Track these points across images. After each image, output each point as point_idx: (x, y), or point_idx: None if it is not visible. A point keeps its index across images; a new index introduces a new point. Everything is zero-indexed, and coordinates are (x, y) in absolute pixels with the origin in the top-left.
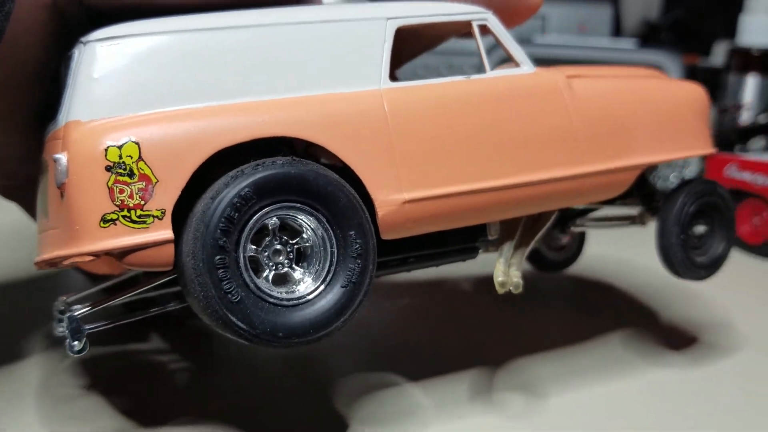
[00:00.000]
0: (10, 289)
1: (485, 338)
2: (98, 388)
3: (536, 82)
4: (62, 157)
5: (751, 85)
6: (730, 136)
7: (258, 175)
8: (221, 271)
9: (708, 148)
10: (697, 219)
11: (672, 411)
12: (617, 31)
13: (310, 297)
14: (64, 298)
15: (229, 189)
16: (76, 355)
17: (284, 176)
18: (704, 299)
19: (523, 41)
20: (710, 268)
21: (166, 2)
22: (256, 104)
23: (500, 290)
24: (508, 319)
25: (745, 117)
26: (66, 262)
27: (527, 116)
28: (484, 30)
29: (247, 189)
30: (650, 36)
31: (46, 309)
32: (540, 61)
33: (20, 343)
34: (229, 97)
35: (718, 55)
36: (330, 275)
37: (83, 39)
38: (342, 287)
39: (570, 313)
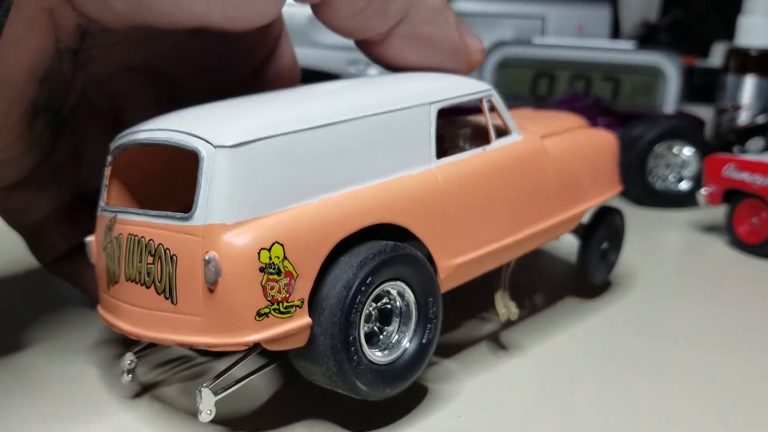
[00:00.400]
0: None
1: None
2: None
3: (527, 148)
4: (215, 258)
5: (749, 85)
6: (728, 137)
7: (378, 263)
8: (353, 347)
9: (619, 187)
10: (606, 239)
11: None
12: (616, 32)
13: (401, 355)
14: (132, 353)
15: (358, 277)
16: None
17: (396, 261)
18: (701, 297)
19: (523, 43)
20: (608, 271)
21: (157, 20)
22: (361, 193)
23: (503, 319)
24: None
25: (744, 118)
26: (215, 349)
27: (524, 179)
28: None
29: (371, 277)
30: (649, 37)
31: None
32: (539, 63)
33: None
34: (340, 188)
35: (717, 56)
36: (413, 335)
37: (212, 141)
38: (421, 344)
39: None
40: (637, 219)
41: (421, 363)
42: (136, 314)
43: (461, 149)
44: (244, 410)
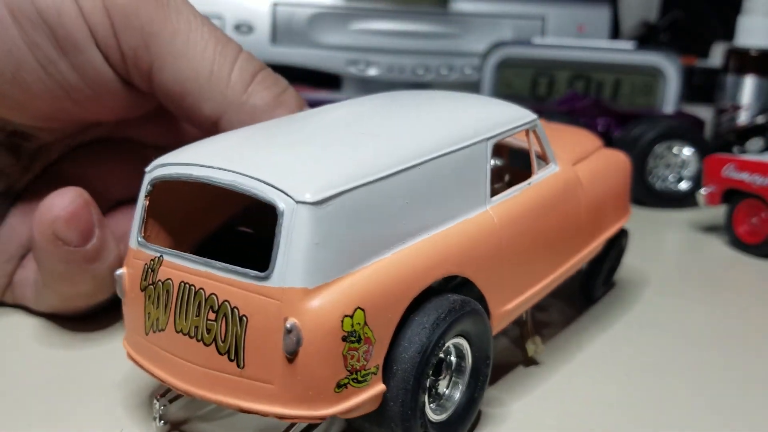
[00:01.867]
0: None
1: None
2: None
3: (565, 179)
4: (296, 327)
5: (749, 86)
6: (727, 137)
7: (450, 322)
8: (421, 412)
9: (630, 210)
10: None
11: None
12: (616, 32)
13: (454, 410)
14: (161, 397)
15: (431, 340)
16: None
17: (465, 318)
18: (701, 297)
19: (523, 42)
20: (608, 287)
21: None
22: (429, 244)
23: (530, 355)
24: None
25: (743, 118)
26: (288, 420)
27: (563, 213)
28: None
29: (444, 338)
30: (649, 37)
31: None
32: (539, 63)
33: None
34: (409, 239)
35: (717, 56)
36: (466, 388)
37: (293, 196)
38: (472, 398)
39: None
40: (637, 219)
41: (471, 416)
42: (188, 370)
43: (505, 184)
44: None
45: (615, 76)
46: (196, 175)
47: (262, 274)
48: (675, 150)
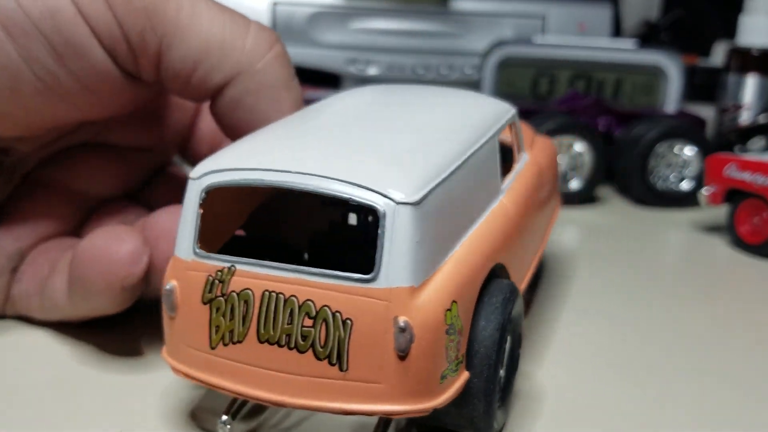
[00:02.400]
0: None
1: None
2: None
3: (535, 164)
4: (409, 325)
5: (750, 85)
6: (729, 137)
7: (513, 302)
8: (498, 386)
9: (560, 199)
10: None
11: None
12: (617, 31)
13: (502, 386)
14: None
15: (504, 316)
16: None
17: (517, 299)
18: (703, 298)
19: (523, 42)
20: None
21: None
22: (482, 232)
23: None
24: None
25: (745, 117)
26: (397, 416)
27: (540, 197)
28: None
29: (510, 315)
30: (650, 36)
31: None
32: (540, 62)
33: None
34: (469, 229)
35: (718, 55)
36: (507, 364)
37: (393, 197)
38: (508, 379)
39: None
40: (638, 219)
41: (511, 389)
42: (278, 379)
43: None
44: None
45: (616, 75)
46: (270, 180)
47: (367, 277)
48: (676, 149)
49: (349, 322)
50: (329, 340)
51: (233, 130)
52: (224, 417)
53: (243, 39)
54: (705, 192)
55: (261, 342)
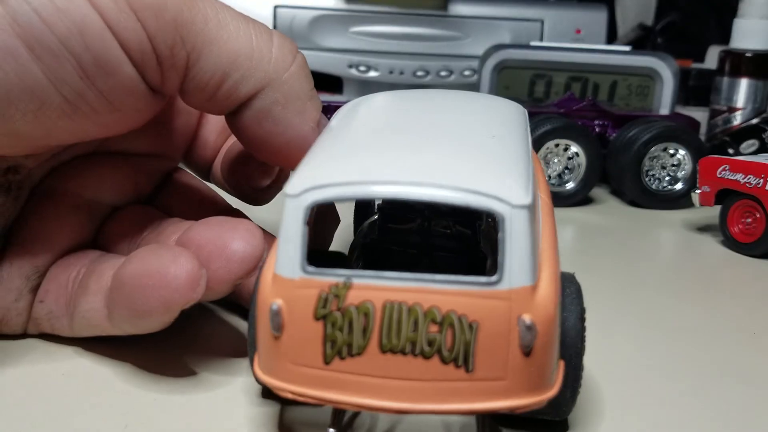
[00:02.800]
0: None
1: None
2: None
3: (536, 159)
4: (533, 321)
5: (743, 88)
6: (723, 139)
7: (582, 301)
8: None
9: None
10: None
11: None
12: (612, 35)
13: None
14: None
15: (581, 306)
16: None
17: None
18: (696, 296)
19: (521, 45)
20: None
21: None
22: (549, 227)
23: None
24: None
25: (738, 119)
26: (521, 411)
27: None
28: None
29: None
30: (645, 40)
31: None
32: (537, 65)
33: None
34: (539, 224)
35: (712, 58)
36: None
37: (509, 201)
38: None
39: None
40: (632, 219)
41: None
42: (403, 387)
43: None
44: None
45: (611, 78)
46: (381, 192)
47: (492, 279)
48: (670, 151)
49: (475, 324)
50: (455, 344)
51: (258, 142)
52: (331, 430)
53: (269, 49)
54: (698, 192)
55: (383, 352)
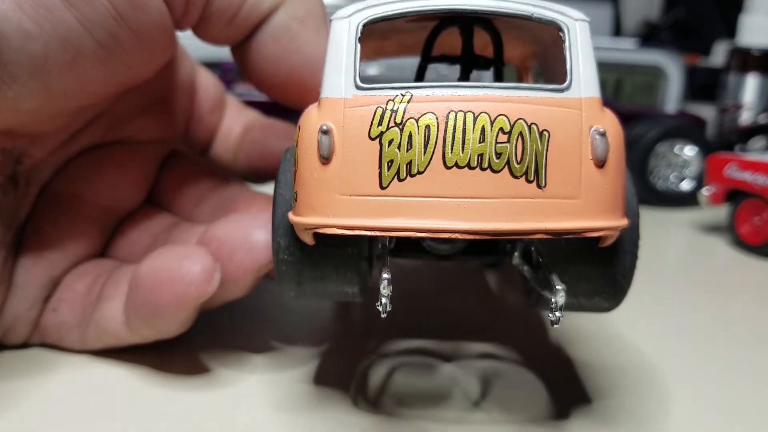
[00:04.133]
0: None
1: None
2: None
3: None
4: (605, 131)
5: (751, 85)
6: (730, 136)
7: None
8: None
9: None
10: None
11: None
12: (617, 30)
13: None
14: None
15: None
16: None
17: None
18: (703, 298)
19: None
20: None
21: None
22: None
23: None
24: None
25: (745, 117)
26: (595, 234)
27: None
28: None
29: None
30: (651, 36)
31: None
32: None
33: None
34: None
35: (718, 55)
36: None
37: (570, 15)
38: None
39: None
40: None
41: None
42: (470, 207)
43: None
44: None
45: (617, 75)
46: (445, 5)
47: (561, 86)
48: (677, 149)
49: (546, 133)
50: (526, 154)
51: (272, 65)
52: (385, 275)
53: None
54: (705, 192)
55: (448, 167)
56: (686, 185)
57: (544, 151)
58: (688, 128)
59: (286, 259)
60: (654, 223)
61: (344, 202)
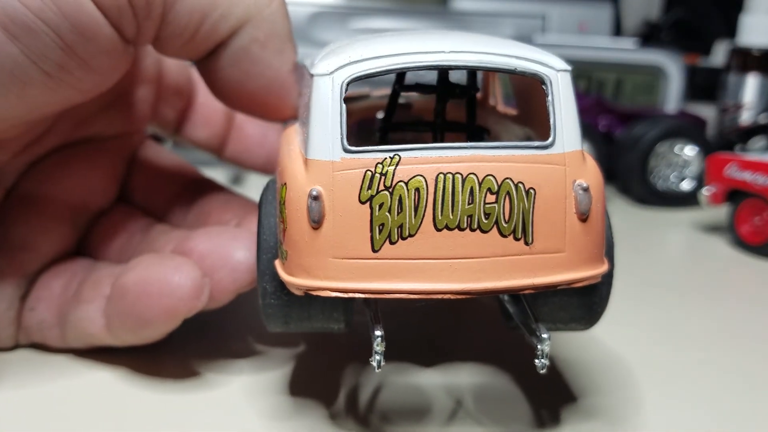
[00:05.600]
0: None
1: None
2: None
3: None
4: (588, 186)
5: (751, 85)
6: (730, 136)
7: None
8: None
9: None
10: None
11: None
12: (617, 30)
13: None
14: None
15: None
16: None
17: None
18: (704, 298)
19: (524, 41)
20: None
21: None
22: None
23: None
24: None
25: (746, 117)
26: (579, 285)
27: None
28: None
29: None
30: (651, 36)
31: None
32: None
33: None
34: None
35: (719, 54)
36: None
37: (553, 65)
38: None
39: None
40: (638, 219)
41: None
42: (460, 267)
43: None
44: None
45: (617, 75)
46: (427, 61)
47: (546, 143)
48: (677, 149)
49: (532, 191)
50: (513, 213)
51: (234, 86)
52: (378, 332)
53: None
54: (706, 192)
55: (439, 230)
56: (686, 185)
57: (531, 209)
58: (689, 128)
59: (273, 303)
60: (654, 223)
61: (338, 265)
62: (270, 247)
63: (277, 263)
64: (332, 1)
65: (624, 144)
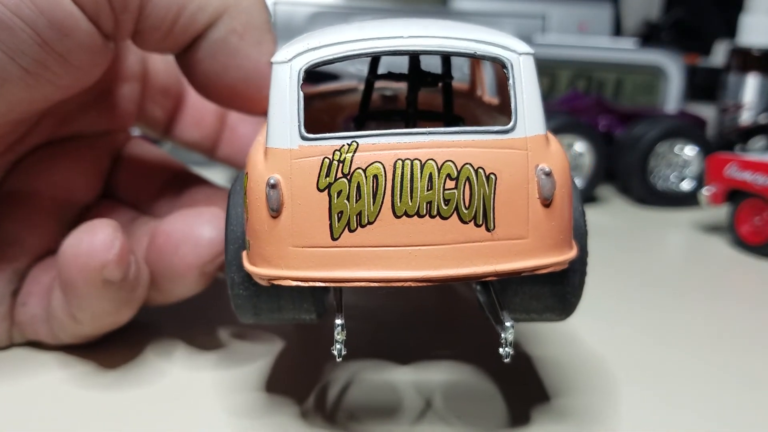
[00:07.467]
0: None
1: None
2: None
3: None
4: (551, 170)
5: (751, 85)
6: (730, 136)
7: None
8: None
9: None
10: None
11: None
12: (617, 30)
13: None
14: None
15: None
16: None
17: None
18: (703, 298)
19: (524, 41)
20: None
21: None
22: None
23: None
24: None
25: (746, 117)
26: (543, 271)
27: None
28: None
29: None
30: (651, 36)
31: None
32: (540, 62)
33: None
34: None
35: (719, 54)
36: None
37: (515, 49)
38: None
39: None
40: (638, 219)
41: None
42: (420, 254)
43: None
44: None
45: (617, 74)
46: (384, 47)
47: (506, 128)
48: (677, 149)
49: (493, 176)
50: (474, 199)
51: (213, 79)
52: (339, 322)
53: None
54: (705, 192)
55: (398, 217)
56: (686, 185)
57: (492, 195)
58: (689, 128)
59: (242, 293)
60: (654, 223)
61: (297, 254)
62: (237, 238)
63: (243, 253)
64: (332, 1)
65: (624, 144)
